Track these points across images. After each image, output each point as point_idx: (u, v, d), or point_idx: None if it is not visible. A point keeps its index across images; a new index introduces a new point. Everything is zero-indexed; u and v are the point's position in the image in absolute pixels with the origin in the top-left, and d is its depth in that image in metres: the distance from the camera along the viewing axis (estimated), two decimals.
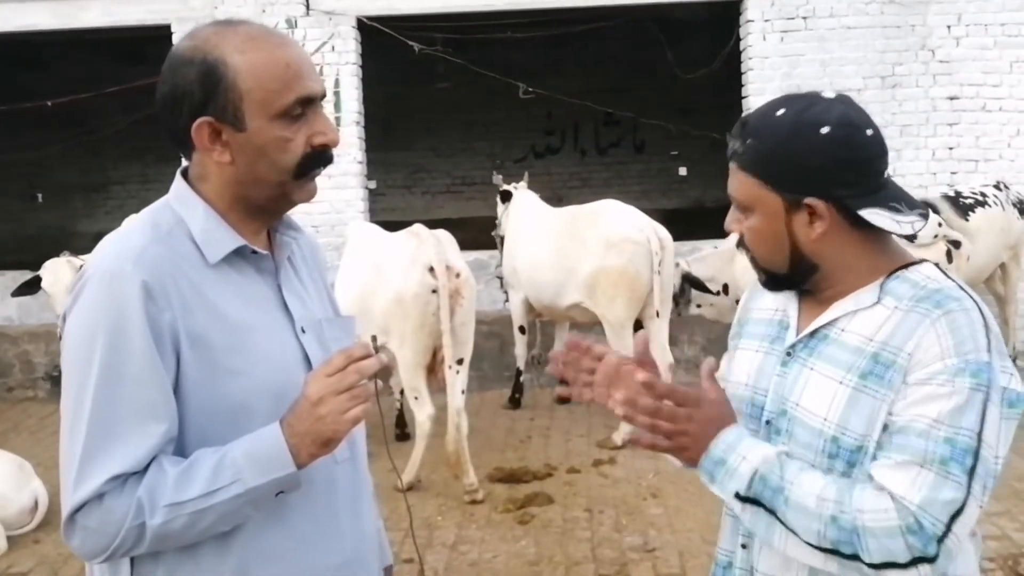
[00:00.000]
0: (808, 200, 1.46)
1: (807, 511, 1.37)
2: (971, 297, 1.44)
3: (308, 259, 1.65)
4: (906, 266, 1.49)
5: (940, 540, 1.32)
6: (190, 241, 1.44)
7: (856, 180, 1.46)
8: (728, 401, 1.51)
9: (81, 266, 5.86)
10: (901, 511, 1.33)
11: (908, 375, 1.39)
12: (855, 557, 1.35)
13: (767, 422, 1.52)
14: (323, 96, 1.49)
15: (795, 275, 1.52)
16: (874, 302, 1.47)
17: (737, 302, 6.57)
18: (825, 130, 1.44)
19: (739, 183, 1.51)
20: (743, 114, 1.58)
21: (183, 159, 1.53)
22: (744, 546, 1.55)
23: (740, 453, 1.42)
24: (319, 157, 1.46)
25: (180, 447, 1.39)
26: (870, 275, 1.49)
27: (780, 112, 1.48)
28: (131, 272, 1.35)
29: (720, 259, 6.29)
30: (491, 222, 7.00)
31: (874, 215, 1.45)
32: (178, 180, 1.50)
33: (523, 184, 6.81)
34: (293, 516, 1.46)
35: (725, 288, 6.33)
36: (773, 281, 1.56)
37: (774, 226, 1.49)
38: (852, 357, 1.45)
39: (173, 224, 1.45)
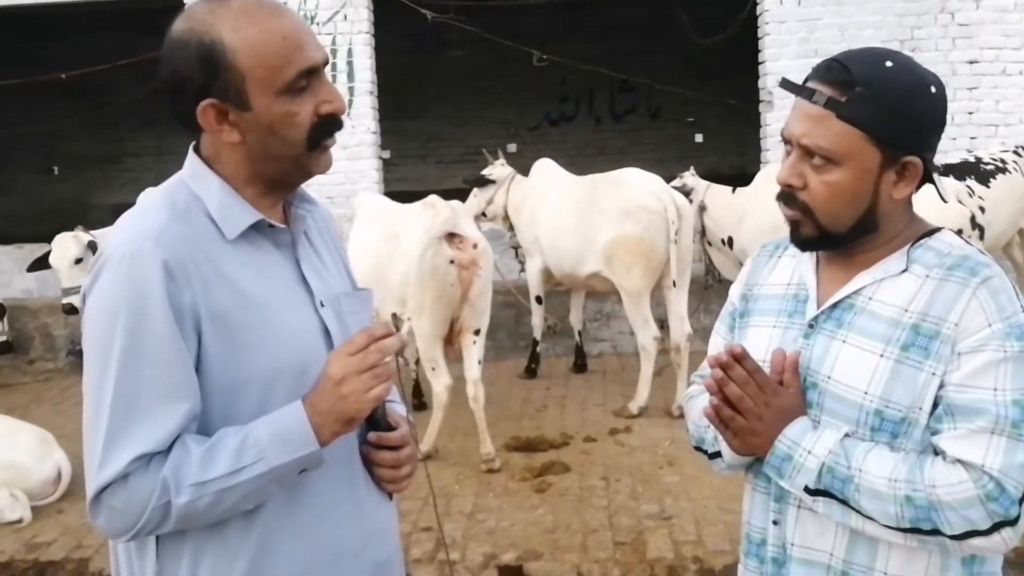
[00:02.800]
0: (909, 159, 1.42)
1: (880, 495, 1.38)
2: (994, 262, 1.45)
3: (324, 232, 1.64)
4: (928, 234, 1.49)
5: (1021, 501, 1.35)
6: (207, 218, 1.43)
7: (936, 142, 1.46)
8: (802, 395, 1.48)
9: (89, 241, 5.92)
10: (978, 480, 1.34)
11: (957, 344, 1.38)
12: (936, 532, 1.36)
13: None
14: (326, 63, 1.46)
15: (852, 234, 1.47)
16: (901, 270, 1.46)
17: (740, 265, 6.57)
18: (933, 89, 1.42)
19: (834, 134, 1.41)
20: (826, 60, 1.45)
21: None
22: (776, 522, 1.54)
23: (805, 448, 1.43)
24: (328, 125, 1.45)
25: (204, 424, 1.40)
26: (903, 242, 1.48)
27: (889, 64, 1.40)
28: (151, 252, 1.34)
29: (730, 213, 6.28)
30: None
31: (937, 179, 1.47)
32: (191, 157, 1.49)
33: (500, 162, 6.80)
34: (314, 490, 1.47)
35: (729, 241, 6.34)
36: (822, 240, 1.48)
37: (862, 182, 1.43)
38: (889, 328, 1.43)
39: (189, 202, 1.44)
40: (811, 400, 1.48)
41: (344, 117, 1.50)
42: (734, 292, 1.72)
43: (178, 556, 1.42)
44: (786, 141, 1.48)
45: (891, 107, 1.39)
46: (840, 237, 1.47)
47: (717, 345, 1.71)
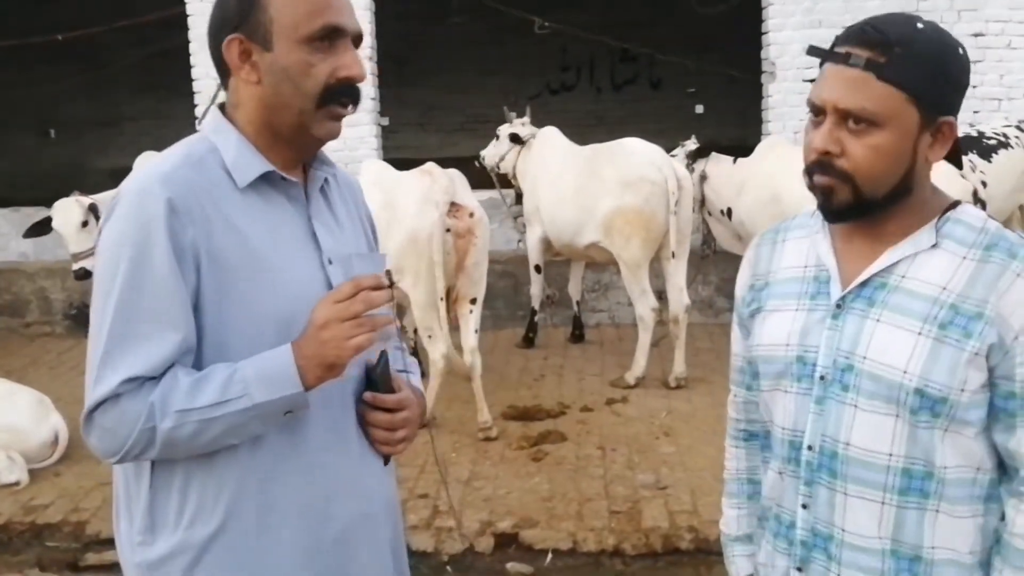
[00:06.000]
0: (945, 119, 1.41)
1: None
2: None
3: (347, 196, 1.70)
4: (950, 207, 1.48)
5: None
6: (222, 168, 1.50)
7: (960, 105, 1.45)
8: None
9: (90, 204, 5.88)
10: None
11: (1009, 331, 1.37)
12: None
13: (821, 377, 1.48)
14: (358, 37, 1.52)
15: (888, 200, 1.43)
16: (932, 244, 1.44)
17: (738, 237, 6.49)
18: (961, 51, 1.42)
19: (876, 95, 1.37)
20: (856, 24, 1.42)
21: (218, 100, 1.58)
22: (805, 506, 1.52)
23: None
24: (343, 89, 1.50)
25: (198, 364, 1.46)
26: (927, 215, 1.46)
27: (920, 26, 1.40)
28: (158, 191, 1.43)
29: (731, 184, 6.26)
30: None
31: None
32: (215, 111, 1.58)
33: (522, 121, 6.73)
34: (303, 434, 1.52)
35: (728, 212, 6.32)
36: (857, 208, 1.44)
37: (903, 143, 1.40)
38: (927, 307, 1.41)
39: (206, 152, 1.51)
40: (847, 383, 1.45)
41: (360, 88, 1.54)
42: (741, 286, 1.69)
43: (169, 483, 1.49)
44: (816, 110, 1.44)
45: (929, 67, 1.38)
46: (875, 203, 1.44)
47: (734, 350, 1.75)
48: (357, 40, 1.52)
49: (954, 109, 1.43)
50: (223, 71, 1.53)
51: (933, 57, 1.38)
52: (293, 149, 1.55)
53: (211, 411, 1.41)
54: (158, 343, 1.41)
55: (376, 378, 1.56)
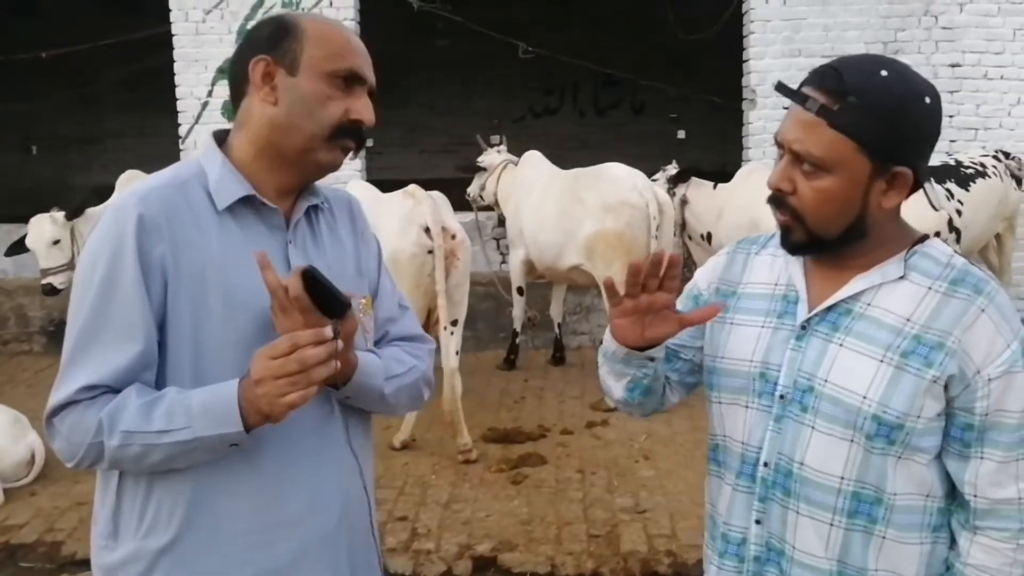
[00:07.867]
0: (899, 169, 1.41)
1: None
2: (991, 276, 1.48)
3: (340, 217, 1.73)
4: (919, 241, 1.50)
5: None
6: (204, 191, 1.54)
7: (929, 152, 1.46)
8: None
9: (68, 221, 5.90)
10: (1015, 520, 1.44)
11: (971, 364, 1.40)
12: None
13: (781, 396, 1.51)
14: (373, 89, 1.59)
15: (842, 240, 1.46)
16: (899, 276, 1.46)
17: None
18: (928, 100, 1.41)
19: (825, 142, 1.39)
20: (824, 65, 1.43)
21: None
22: (758, 521, 1.55)
23: None
24: (352, 129, 1.56)
25: (162, 379, 1.50)
26: (895, 248, 1.49)
27: (884, 74, 1.39)
28: (132, 208, 1.47)
29: (711, 208, 6.31)
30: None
31: (928, 188, 1.48)
32: (209, 138, 1.64)
33: (497, 148, 6.82)
34: (264, 455, 1.53)
35: (708, 237, 6.37)
36: (812, 245, 1.48)
37: (851, 190, 1.42)
38: (890, 336, 1.43)
39: (191, 175, 1.56)
40: (806, 404, 1.48)
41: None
42: (703, 280, 1.70)
43: (134, 492, 1.53)
44: (779, 145, 1.47)
45: (882, 118, 1.37)
46: (830, 242, 1.47)
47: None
48: (372, 94, 1.59)
49: (911, 159, 1.42)
50: (239, 90, 1.58)
51: (889, 108, 1.38)
52: (293, 172, 1.59)
53: (155, 437, 1.43)
54: (116, 354, 1.45)
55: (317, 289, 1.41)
